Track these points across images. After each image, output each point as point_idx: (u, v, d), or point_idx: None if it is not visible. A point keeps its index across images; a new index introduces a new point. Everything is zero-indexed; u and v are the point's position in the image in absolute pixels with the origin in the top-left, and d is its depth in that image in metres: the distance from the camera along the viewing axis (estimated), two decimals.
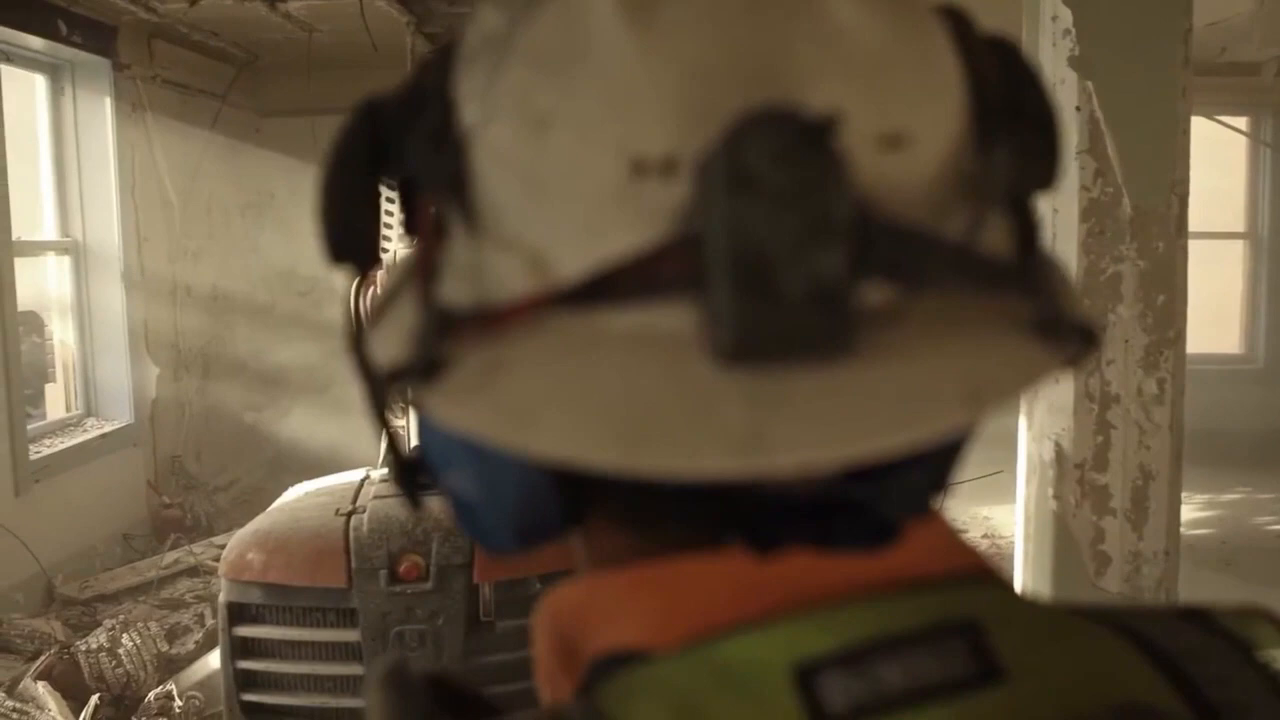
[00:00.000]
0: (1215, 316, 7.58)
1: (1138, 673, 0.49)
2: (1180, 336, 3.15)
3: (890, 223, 0.43)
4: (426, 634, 2.61)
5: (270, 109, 6.73)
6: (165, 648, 4.55)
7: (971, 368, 0.45)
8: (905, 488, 0.50)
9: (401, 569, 2.63)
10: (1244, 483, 6.85)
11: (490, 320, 0.46)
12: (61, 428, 5.76)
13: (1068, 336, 0.46)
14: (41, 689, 4.02)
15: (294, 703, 2.70)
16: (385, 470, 3.18)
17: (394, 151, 0.51)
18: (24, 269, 5.31)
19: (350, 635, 2.66)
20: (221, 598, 2.78)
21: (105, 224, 5.87)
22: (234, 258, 6.90)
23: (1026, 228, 0.49)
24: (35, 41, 5.28)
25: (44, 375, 6.08)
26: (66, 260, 5.88)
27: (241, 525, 5.77)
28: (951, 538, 0.52)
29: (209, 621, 4.81)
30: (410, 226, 0.52)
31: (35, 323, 6.11)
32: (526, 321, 0.46)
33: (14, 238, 5.12)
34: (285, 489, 6.18)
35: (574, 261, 0.45)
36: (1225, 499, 6.59)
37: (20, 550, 4.90)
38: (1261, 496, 6.75)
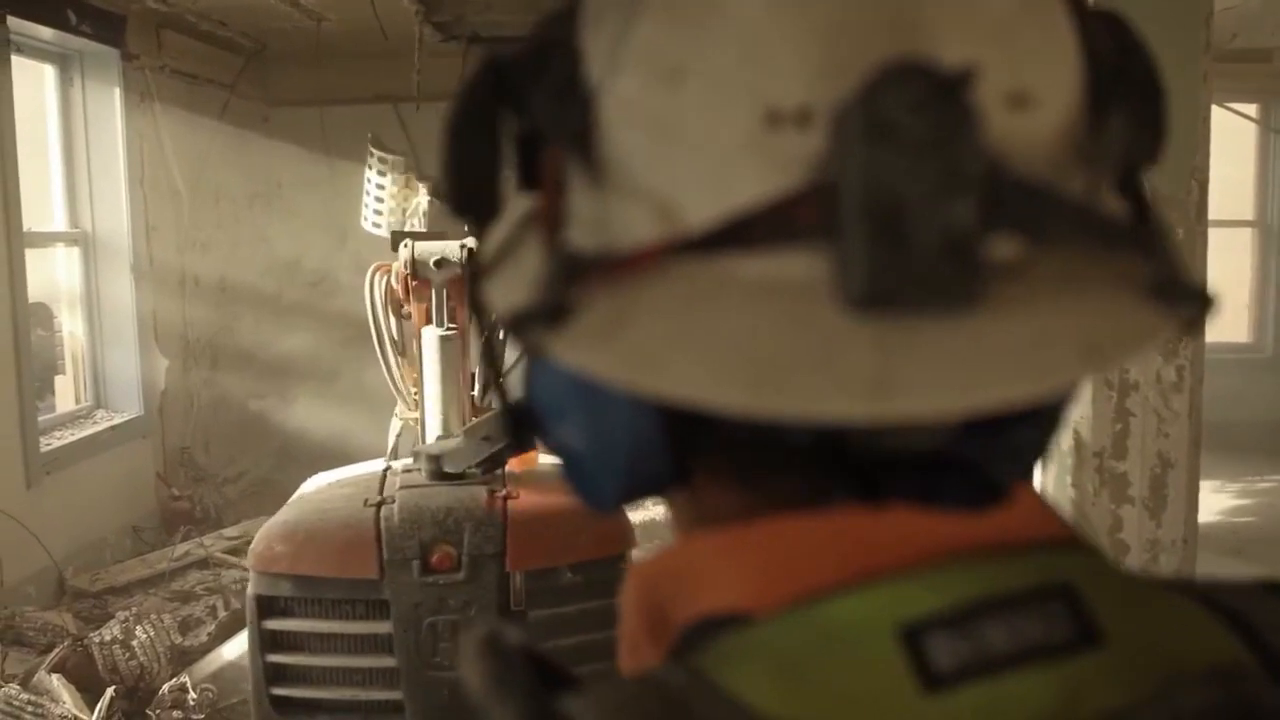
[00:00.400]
0: (1224, 305, 7.56)
1: (1221, 639, 0.50)
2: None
3: (1019, 178, 0.44)
4: (459, 624, 2.60)
5: (278, 99, 6.69)
6: (178, 640, 4.53)
7: (1091, 325, 0.45)
8: (1013, 448, 0.51)
9: (434, 559, 2.61)
10: (1252, 471, 6.86)
11: (616, 267, 0.47)
12: (71, 420, 5.74)
13: (1183, 299, 0.47)
14: (56, 681, 4.00)
15: (324, 696, 2.69)
16: (409, 460, 3.17)
17: (518, 104, 0.52)
18: (33, 260, 5.28)
19: (381, 627, 2.64)
20: (250, 590, 2.76)
21: (114, 215, 5.84)
22: (242, 248, 6.87)
23: (1139, 196, 0.50)
24: (45, 32, 5.25)
25: (53, 367, 6.05)
26: (75, 251, 5.85)
27: (251, 517, 5.86)
28: (1043, 503, 0.53)
29: (221, 614, 4.80)
30: (529, 179, 0.53)
31: (44, 314, 6.08)
32: (653, 268, 0.46)
33: (24, 229, 5.09)
34: (294, 480, 6.14)
35: (703, 209, 0.46)
36: (1233, 487, 6.60)
37: (31, 543, 4.88)
38: (1266, 484, 6.75)
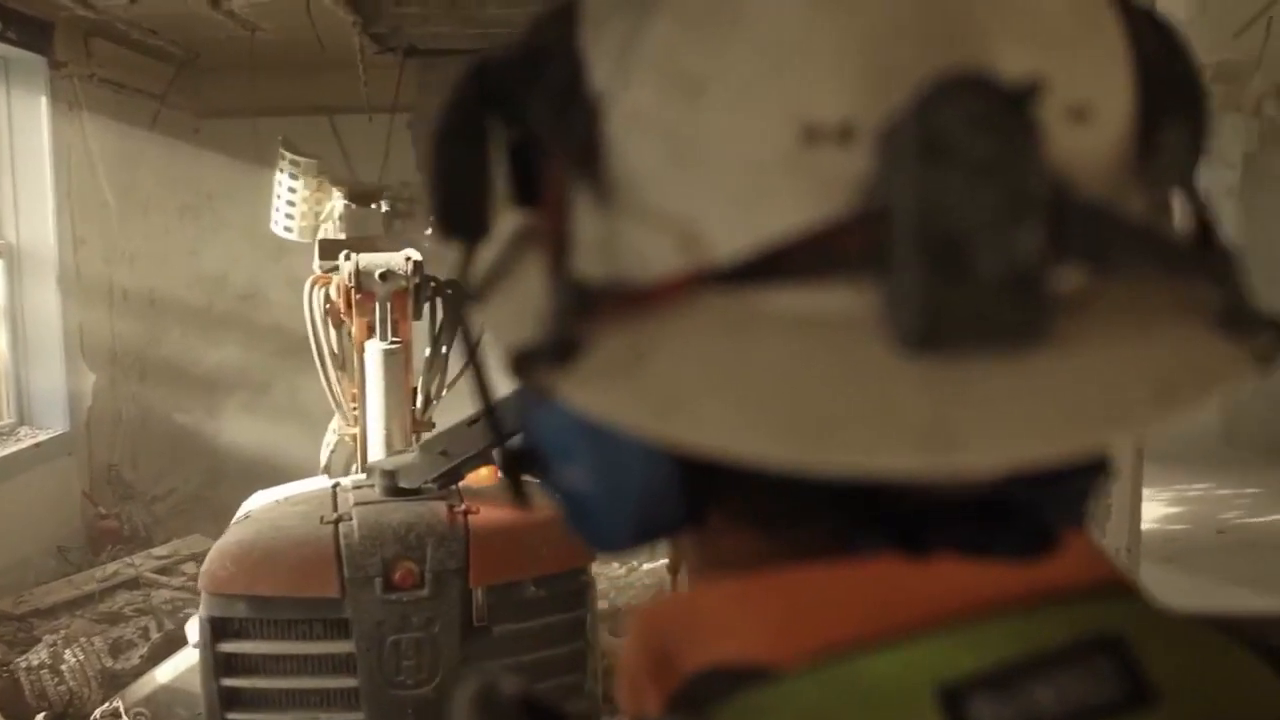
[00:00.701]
0: None
1: (1275, 690, 0.46)
2: None
3: (1084, 201, 0.41)
4: (423, 642, 2.56)
5: (210, 109, 6.57)
6: (109, 663, 4.42)
7: (1163, 361, 0.42)
8: (1069, 492, 0.47)
9: (396, 576, 2.57)
10: (1182, 480, 7.01)
11: (632, 300, 0.43)
12: None
13: (1256, 329, 0.43)
14: None
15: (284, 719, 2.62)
16: (362, 476, 3.12)
17: (510, 114, 0.48)
18: None
19: (342, 647, 2.60)
20: (201, 613, 2.69)
21: (40, 226, 5.68)
22: (172, 260, 6.73)
23: (1200, 212, 0.47)
24: None
25: None
26: None
27: (181, 536, 5.73)
28: (1091, 547, 0.49)
29: (153, 635, 4.68)
30: (523, 194, 0.48)
31: None
32: (674, 301, 0.42)
33: None
34: (225, 497, 6.03)
35: (732, 237, 0.41)
36: (1164, 495, 6.74)
37: None
38: (1194, 493, 6.91)
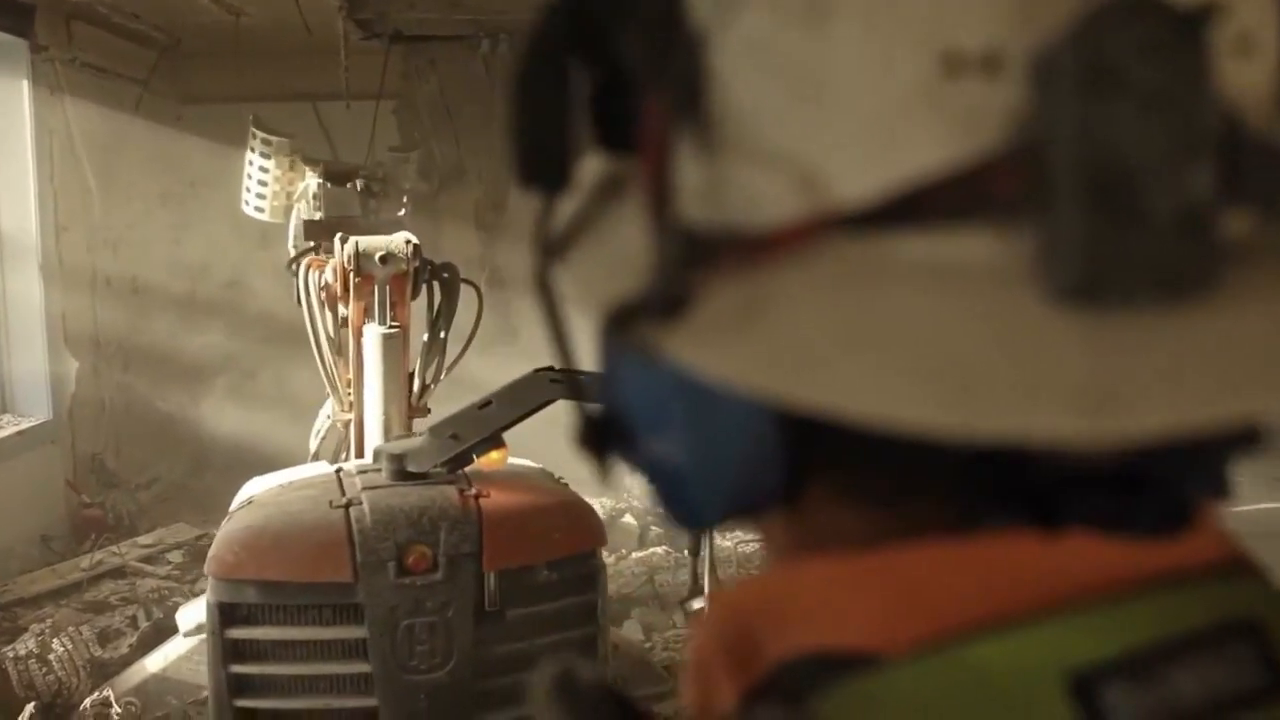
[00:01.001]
0: None
1: None
2: None
3: (1256, 138, 0.38)
4: (437, 626, 2.54)
5: (193, 96, 6.50)
6: (98, 652, 4.37)
7: None
8: (1213, 463, 0.43)
9: (410, 560, 2.55)
10: None
11: (744, 248, 0.39)
12: None
13: None
14: None
15: (294, 706, 2.60)
16: (367, 461, 3.09)
17: (597, 52, 0.43)
18: None
19: (354, 632, 2.57)
20: (209, 599, 2.65)
21: (22, 212, 5.59)
22: (155, 247, 6.66)
23: None
24: None
25: None
26: None
27: (166, 524, 5.66)
28: (1220, 524, 0.46)
29: (142, 624, 4.63)
30: (610, 139, 0.45)
31: None
32: (792, 249, 0.39)
33: None
34: (210, 486, 6.00)
35: (859, 178, 0.38)
36: None
37: None
38: None
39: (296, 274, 3.56)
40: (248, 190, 4.16)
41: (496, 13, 5.57)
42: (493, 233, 6.38)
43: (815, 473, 0.45)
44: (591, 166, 0.46)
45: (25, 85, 5.54)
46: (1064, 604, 0.40)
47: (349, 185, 4.01)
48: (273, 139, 4.09)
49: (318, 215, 3.88)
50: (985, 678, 0.39)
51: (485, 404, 2.71)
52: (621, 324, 0.41)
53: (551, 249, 0.46)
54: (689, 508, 0.49)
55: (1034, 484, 0.41)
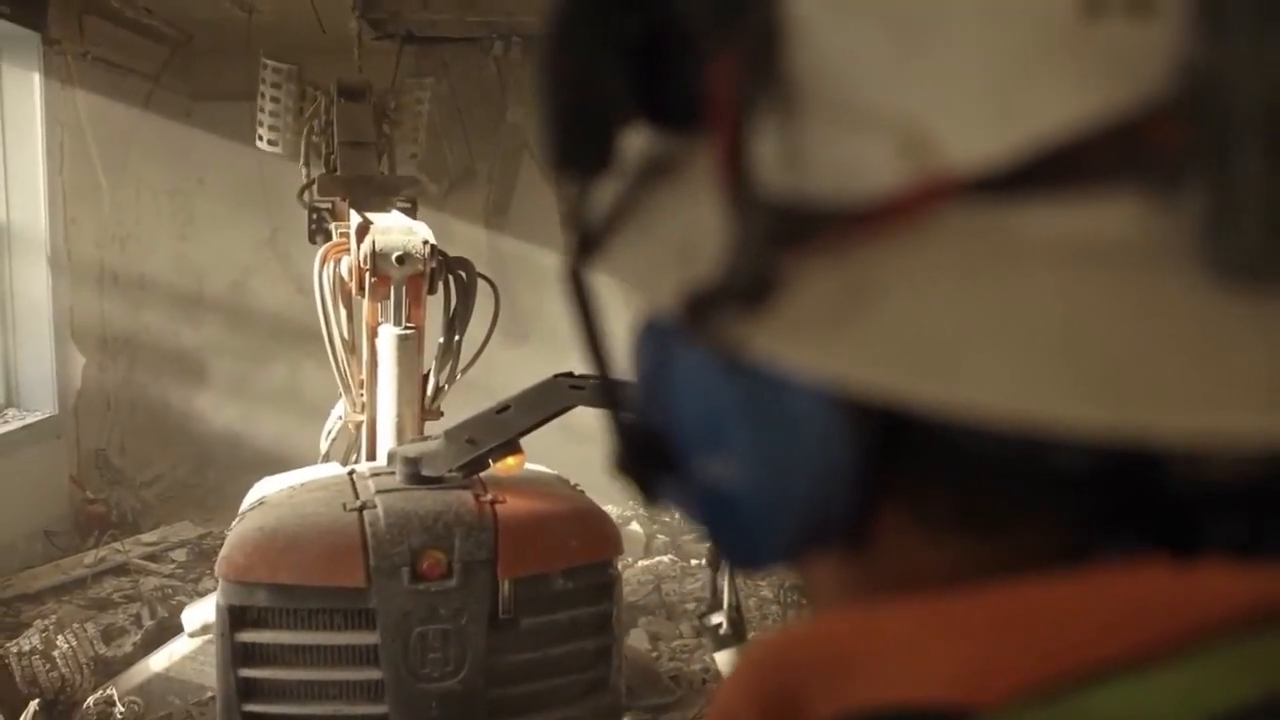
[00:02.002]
0: None
1: None
2: None
3: None
4: (450, 634, 2.51)
5: (204, 92, 6.47)
6: (102, 650, 4.34)
7: None
8: None
9: (424, 566, 2.51)
10: None
11: (843, 224, 0.34)
12: None
13: None
14: None
15: (303, 711, 2.56)
16: (380, 463, 3.06)
17: (649, 6, 0.37)
18: None
19: (366, 637, 2.53)
20: (219, 601, 2.61)
21: (31, 205, 5.57)
22: (162, 244, 6.64)
23: None
24: None
25: None
26: None
27: (169, 522, 5.63)
28: None
29: (146, 622, 4.61)
30: (661, 110, 0.38)
31: None
32: (899, 225, 0.33)
33: None
34: (214, 484, 5.96)
35: (980, 139, 0.33)
36: None
37: None
38: None
39: (306, 204, 3.60)
40: (260, 125, 4.13)
41: (508, 14, 5.56)
42: (500, 233, 6.37)
43: (891, 499, 0.39)
44: (638, 145, 0.40)
45: (37, 78, 5.52)
46: (1196, 642, 0.34)
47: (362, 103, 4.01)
48: (283, 67, 4.06)
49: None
50: None
51: (503, 409, 2.68)
52: (698, 315, 0.35)
53: (589, 240, 0.40)
54: (747, 540, 0.43)
55: (1166, 503, 0.36)
